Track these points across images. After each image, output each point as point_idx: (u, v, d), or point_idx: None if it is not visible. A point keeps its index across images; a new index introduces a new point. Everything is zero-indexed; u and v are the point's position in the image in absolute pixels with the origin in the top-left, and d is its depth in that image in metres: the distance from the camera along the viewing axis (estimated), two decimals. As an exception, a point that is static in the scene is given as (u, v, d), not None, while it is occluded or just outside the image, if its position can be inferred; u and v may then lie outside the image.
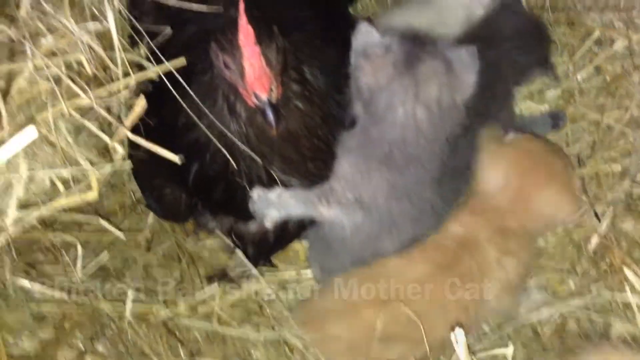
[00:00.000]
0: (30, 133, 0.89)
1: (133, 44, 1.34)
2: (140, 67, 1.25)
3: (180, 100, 1.10)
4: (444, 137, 1.23)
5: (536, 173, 1.31)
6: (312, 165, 1.21)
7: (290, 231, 1.34)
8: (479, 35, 1.55)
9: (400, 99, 1.17)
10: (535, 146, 1.36)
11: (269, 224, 1.27)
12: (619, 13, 1.60)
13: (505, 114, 1.50)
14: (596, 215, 1.40)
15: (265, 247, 1.39)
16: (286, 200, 1.22)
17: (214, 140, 1.12)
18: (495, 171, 1.31)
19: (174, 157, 1.08)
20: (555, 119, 1.58)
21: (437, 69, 1.18)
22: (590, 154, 1.54)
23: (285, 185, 1.21)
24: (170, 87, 1.09)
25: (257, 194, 1.20)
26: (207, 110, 1.12)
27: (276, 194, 1.21)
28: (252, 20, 0.98)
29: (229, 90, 1.09)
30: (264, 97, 1.00)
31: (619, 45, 1.57)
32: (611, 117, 1.54)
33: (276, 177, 1.18)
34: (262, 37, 0.99)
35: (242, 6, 0.98)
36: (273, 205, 1.22)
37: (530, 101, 1.67)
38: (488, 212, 1.28)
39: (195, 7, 1.25)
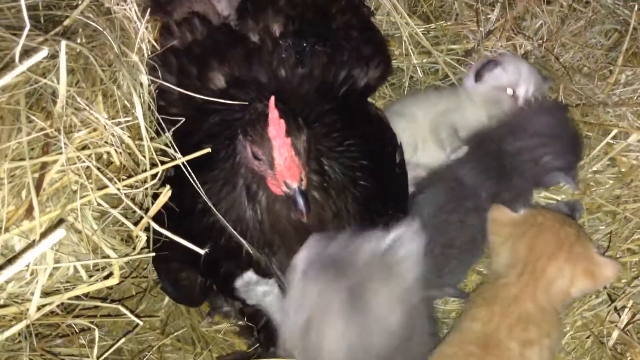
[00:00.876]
0: (58, 234, 0.92)
1: (159, 131, 1.39)
2: (165, 153, 1.29)
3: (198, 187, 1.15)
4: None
5: (545, 244, 1.30)
6: None
7: None
8: (507, 126, 1.61)
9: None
10: (544, 218, 1.36)
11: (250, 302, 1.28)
12: (633, 107, 1.64)
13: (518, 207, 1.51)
14: (616, 310, 1.39)
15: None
16: (268, 300, 1.25)
17: (229, 227, 1.16)
18: (504, 248, 1.32)
19: (199, 250, 1.10)
20: (572, 209, 1.59)
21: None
22: (608, 246, 1.54)
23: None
24: (190, 176, 1.14)
25: (248, 278, 1.23)
26: (224, 196, 1.17)
27: (262, 292, 1.24)
28: (282, 113, 1.03)
29: (251, 179, 1.14)
30: (294, 185, 1.05)
31: (633, 138, 1.61)
32: (628, 209, 1.55)
33: (273, 271, 1.21)
34: (292, 129, 1.04)
35: (273, 101, 1.04)
36: (255, 296, 1.25)
37: (546, 192, 1.68)
38: (502, 299, 1.27)
39: (223, 101, 1.30)
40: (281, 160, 1.03)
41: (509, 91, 1.64)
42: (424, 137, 1.65)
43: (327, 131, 1.30)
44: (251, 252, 1.19)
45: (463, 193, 1.52)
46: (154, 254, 1.16)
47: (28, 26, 0.88)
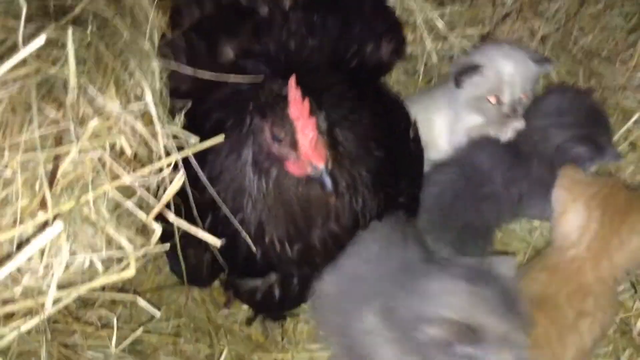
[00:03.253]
0: (55, 229, 0.90)
1: (173, 113, 1.38)
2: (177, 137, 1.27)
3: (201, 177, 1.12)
4: None
5: (618, 202, 1.28)
6: (319, 231, 1.18)
7: (293, 289, 1.31)
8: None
9: None
10: (613, 181, 1.36)
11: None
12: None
13: (537, 191, 1.48)
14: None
15: (271, 303, 1.36)
16: None
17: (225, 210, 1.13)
18: (575, 206, 1.29)
19: (216, 241, 1.08)
20: None
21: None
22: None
23: (279, 256, 1.19)
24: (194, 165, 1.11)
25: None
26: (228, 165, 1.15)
27: None
28: (304, 93, 1.00)
29: (261, 154, 1.11)
30: (321, 166, 1.02)
31: (653, 122, 1.57)
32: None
33: (272, 245, 1.18)
34: (314, 108, 1.01)
35: (293, 80, 1.01)
36: None
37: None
38: (565, 268, 1.25)
39: (233, 78, 1.29)
40: (305, 141, 1.00)
41: (492, 99, 1.51)
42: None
43: (337, 100, 1.28)
44: (243, 235, 1.15)
45: (479, 179, 1.49)
46: (168, 245, 1.13)
47: (24, 9, 0.85)
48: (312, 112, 1.00)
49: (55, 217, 1.00)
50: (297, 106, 1.00)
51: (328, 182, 1.02)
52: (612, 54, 1.73)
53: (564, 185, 1.33)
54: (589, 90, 1.63)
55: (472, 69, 1.50)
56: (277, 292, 1.31)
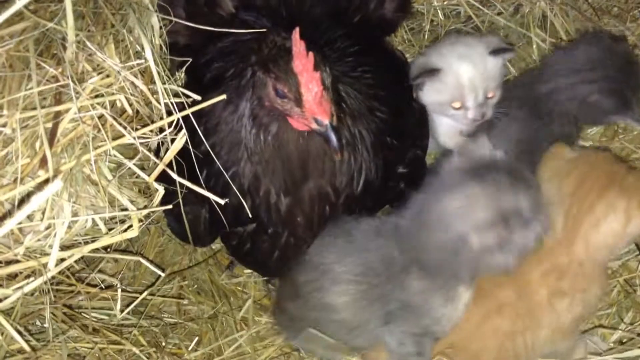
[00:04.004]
0: (55, 186, 0.87)
1: (173, 70, 1.35)
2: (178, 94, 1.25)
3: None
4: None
5: (596, 178, 1.18)
6: (312, 185, 1.15)
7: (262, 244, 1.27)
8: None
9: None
10: (597, 156, 1.25)
11: None
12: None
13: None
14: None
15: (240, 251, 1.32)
16: None
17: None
18: (552, 184, 1.20)
19: (218, 199, 1.06)
20: None
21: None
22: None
23: (268, 211, 1.17)
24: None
25: None
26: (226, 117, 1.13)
27: None
28: (308, 45, 0.97)
29: (260, 108, 1.07)
30: (326, 121, 0.98)
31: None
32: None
33: (266, 197, 1.15)
34: (318, 62, 0.98)
35: (297, 33, 0.97)
36: None
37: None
38: (538, 250, 1.16)
39: (231, 31, 1.23)
40: (310, 96, 0.97)
41: (456, 105, 1.41)
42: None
43: (339, 55, 1.24)
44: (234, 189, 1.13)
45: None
46: (171, 205, 1.11)
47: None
48: (316, 66, 0.97)
49: (55, 176, 0.98)
50: (301, 60, 0.96)
51: (333, 138, 0.98)
52: (622, 11, 1.69)
53: (543, 163, 1.24)
54: (622, 38, 1.54)
55: (430, 72, 1.40)
56: (248, 242, 1.28)
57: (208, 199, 1.10)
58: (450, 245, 1.06)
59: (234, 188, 1.13)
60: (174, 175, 1.06)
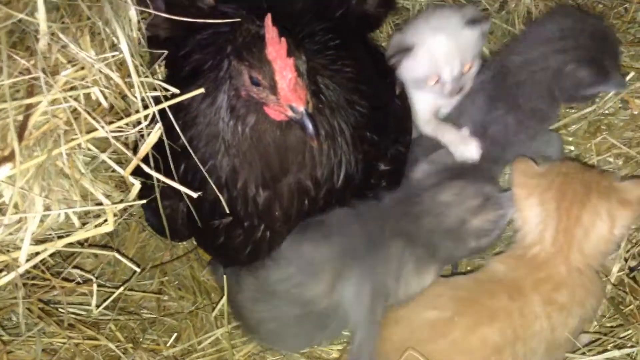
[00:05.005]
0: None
1: (152, 63, 1.34)
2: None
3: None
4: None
5: (574, 190, 1.19)
6: (292, 179, 1.14)
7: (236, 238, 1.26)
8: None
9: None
10: (567, 167, 1.26)
11: None
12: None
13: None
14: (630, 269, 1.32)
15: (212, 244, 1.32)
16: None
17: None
18: (531, 201, 1.21)
19: (192, 193, 1.05)
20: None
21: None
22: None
23: (245, 205, 1.17)
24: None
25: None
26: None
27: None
28: (281, 32, 0.96)
29: (237, 99, 1.06)
30: (301, 108, 0.97)
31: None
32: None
33: (244, 191, 1.15)
34: (292, 48, 0.97)
35: (269, 20, 0.96)
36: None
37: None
38: (532, 258, 1.19)
39: (209, 21, 1.22)
40: (284, 83, 0.96)
41: (431, 81, 1.39)
42: None
43: (319, 48, 1.23)
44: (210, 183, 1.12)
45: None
46: (146, 200, 1.10)
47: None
48: (289, 53, 0.95)
49: (28, 170, 0.97)
50: (274, 47, 0.95)
51: (309, 124, 0.97)
52: (607, 8, 1.68)
53: (516, 182, 1.24)
54: (598, 16, 1.53)
55: (404, 51, 1.38)
56: (222, 236, 1.27)
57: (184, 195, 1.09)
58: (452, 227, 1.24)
59: (211, 181, 1.12)
60: (148, 170, 1.05)
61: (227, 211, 1.14)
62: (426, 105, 1.47)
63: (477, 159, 1.35)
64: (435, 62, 1.37)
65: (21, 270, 1.02)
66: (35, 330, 1.17)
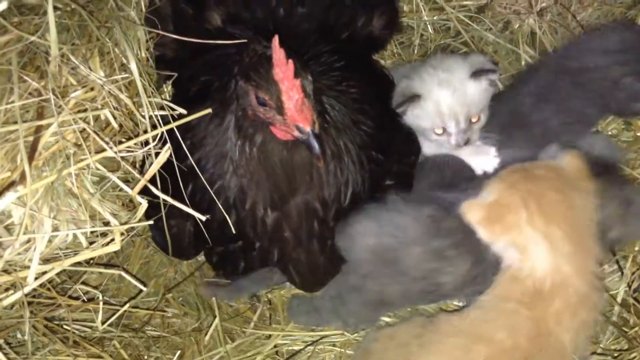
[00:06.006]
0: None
1: (159, 83, 1.35)
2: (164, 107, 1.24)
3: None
4: None
5: (552, 203, 1.11)
6: (300, 200, 1.15)
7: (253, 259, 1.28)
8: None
9: None
10: (518, 175, 1.16)
11: None
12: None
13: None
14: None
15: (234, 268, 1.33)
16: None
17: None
18: (533, 245, 1.11)
19: (200, 216, 1.06)
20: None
21: None
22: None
23: (254, 225, 1.17)
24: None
25: None
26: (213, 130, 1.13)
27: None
28: (288, 53, 0.96)
29: (244, 118, 1.07)
30: (307, 129, 0.98)
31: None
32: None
33: (252, 211, 1.15)
34: (299, 69, 0.97)
35: (276, 41, 0.96)
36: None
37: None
38: (536, 299, 1.11)
39: (217, 42, 1.23)
40: (291, 103, 0.96)
41: (438, 131, 1.38)
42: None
43: (324, 69, 1.24)
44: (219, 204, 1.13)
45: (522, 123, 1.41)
46: (152, 221, 1.11)
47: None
48: (297, 74, 0.96)
49: (37, 190, 0.98)
50: (281, 67, 0.96)
51: (315, 145, 0.98)
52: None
53: (483, 234, 1.14)
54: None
55: (411, 99, 1.37)
56: (241, 261, 1.29)
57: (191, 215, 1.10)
58: None
59: (219, 203, 1.13)
60: (156, 191, 1.06)
61: (234, 231, 1.15)
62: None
63: (492, 170, 1.35)
64: (440, 115, 1.37)
65: (28, 289, 1.03)
66: (43, 352, 1.16)
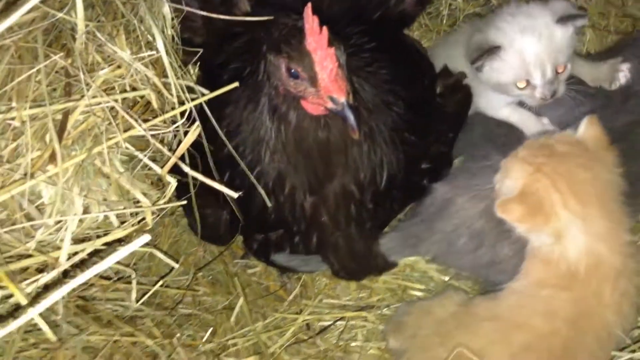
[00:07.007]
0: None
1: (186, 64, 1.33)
2: (192, 88, 1.23)
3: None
4: None
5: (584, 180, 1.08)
6: (336, 183, 1.13)
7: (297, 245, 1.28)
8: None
9: None
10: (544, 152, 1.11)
11: None
12: None
13: None
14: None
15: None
16: None
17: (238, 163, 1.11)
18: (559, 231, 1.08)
19: (231, 192, 1.04)
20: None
21: None
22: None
23: (292, 211, 1.16)
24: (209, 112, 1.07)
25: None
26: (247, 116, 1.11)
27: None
28: (321, 22, 0.93)
29: (278, 97, 1.05)
30: (342, 99, 0.94)
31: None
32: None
33: (291, 196, 1.14)
34: (331, 38, 0.94)
35: (309, 9, 0.93)
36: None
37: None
38: (573, 281, 1.08)
39: (246, 19, 1.21)
40: (325, 74, 0.93)
41: (521, 84, 1.30)
42: None
43: (354, 51, 1.21)
44: (259, 189, 1.11)
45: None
46: (185, 202, 1.10)
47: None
48: (330, 43, 0.93)
49: (67, 169, 0.97)
50: (315, 37, 0.93)
51: (350, 115, 0.95)
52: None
53: (523, 228, 1.10)
54: None
55: (490, 51, 1.28)
56: (287, 247, 1.28)
57: (229, 202, 1.09)
58: None
59: (259, 187, 1.11)
60: (186, 169, 1.04)
61: (274, 217, 1.15)
62: (497, 101, 1.41)
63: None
64: (525, 66, 1.27)
65: (61, 269, 1.02)
66: (76, 332, 1.17)
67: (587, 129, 1.12)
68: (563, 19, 1.27)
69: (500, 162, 1.13)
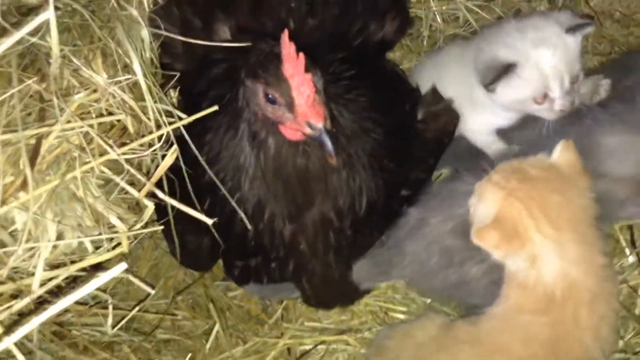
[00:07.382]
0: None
1: (165, 88, 1.32)
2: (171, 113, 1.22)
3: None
4: None
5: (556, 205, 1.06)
6: (315, 211, 1.13)
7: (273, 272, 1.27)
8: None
9: None
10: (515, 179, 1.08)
11: None
12: None
13: None
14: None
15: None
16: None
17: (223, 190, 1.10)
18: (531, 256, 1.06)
19: (207, 220, 1.03)
20: None
21: None
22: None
23: (271, 237, 1.15)
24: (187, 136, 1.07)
25: None
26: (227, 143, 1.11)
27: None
28: (298, 48, 0.93)
29: (256, 123, 1.05)
30: (319, 125, 0.94)
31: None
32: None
33: (271, 223, 1.13)
34: (309, 64, 0.94)
35: (286, 36, 0.94)
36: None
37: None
38: (550, 305, 1.07)
39: (226, 44, 1.23)
40: (302, 99, 0.93)
41: (539, 100, 1.27)
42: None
43: (333, 78, 1.21)
44: (240, 214, 1.11)
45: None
46: (162, 226, 1.09)
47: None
48: (307, 69, 0.93)
49: (41, 195, 0.95)
50: (292, 62, 0.93)
51: (328, 141, 0.95)
52: (624, 16, 1.65)
53: (509, 248, 1.06)
54: None
55: (506, 69, 1.25)
56: (264, 273, 1.27)
57: (210, 229, 1.08)
58: None
59: (240, 212, 1.11)
60: (162, 195, 1.03)
61: (254, 244, 1.15)
62: (485, 126, 1.41)
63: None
64: (543, 79, 1.25)
65: (34, 296, 1.01)
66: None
67: (562, 153, 1.12)
68: (572, 28, 1.27)
69: (475, 185, 1.13)
